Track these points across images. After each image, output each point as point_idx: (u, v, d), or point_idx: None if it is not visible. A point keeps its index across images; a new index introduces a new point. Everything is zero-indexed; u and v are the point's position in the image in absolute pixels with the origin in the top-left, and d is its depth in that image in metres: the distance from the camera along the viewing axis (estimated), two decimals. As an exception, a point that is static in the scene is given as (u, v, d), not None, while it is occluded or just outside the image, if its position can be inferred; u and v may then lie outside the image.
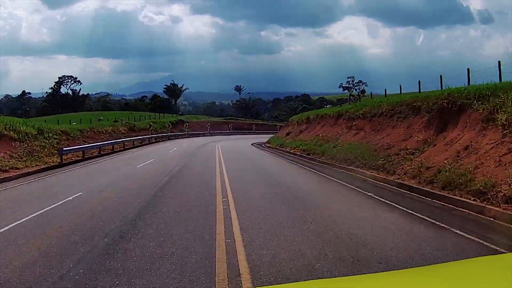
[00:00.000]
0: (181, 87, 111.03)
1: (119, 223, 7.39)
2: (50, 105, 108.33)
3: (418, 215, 8.04)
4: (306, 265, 4.96)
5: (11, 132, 20.77)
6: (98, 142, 29.57)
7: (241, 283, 4.42)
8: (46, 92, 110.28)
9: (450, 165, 10.91)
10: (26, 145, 20.91)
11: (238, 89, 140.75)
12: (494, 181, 8.65)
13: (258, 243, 5.92)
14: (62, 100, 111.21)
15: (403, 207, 8.85)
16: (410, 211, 8.41)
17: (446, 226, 7.05)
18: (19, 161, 18.63)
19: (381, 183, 12.87)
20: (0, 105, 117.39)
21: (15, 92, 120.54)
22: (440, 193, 9.82)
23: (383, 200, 9.81)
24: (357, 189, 11.63)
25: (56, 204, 9.27)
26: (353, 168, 15.91)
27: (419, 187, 11.12)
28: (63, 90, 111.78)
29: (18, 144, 20.36)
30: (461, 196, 9.11)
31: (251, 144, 41.23)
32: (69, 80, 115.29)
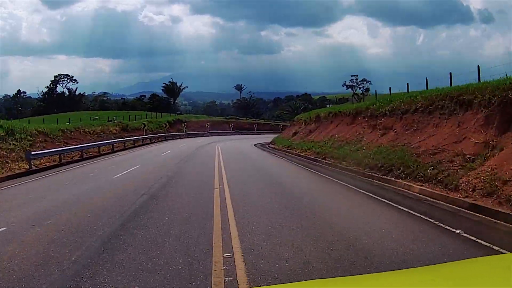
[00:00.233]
0: (180, 86, 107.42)
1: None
2: (46, 105, 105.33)
3: None
4: None
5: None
6: (82, 144, 26.05)
7: None
8: (42, 91, 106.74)
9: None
10: (-12, 149, 17.41)
11: (239, 88, 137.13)
12: None
13: None
14: (58, 100, 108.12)
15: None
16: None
17: None
18: (-27, 168, 15.13)
19: (443, 202, 9.33)
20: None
21: (14, 92, 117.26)
22: None
23: (484, 243, 5.93)
24: (423, 216, 7.92)
25: None
26: (392, 179, 12.36)
27: (509, 212, 7.62)
28: (60, 89, 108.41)
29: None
30: None
31: (254, 145, 37.70)
32: (65, 79, 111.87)
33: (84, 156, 23.50)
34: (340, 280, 2.14)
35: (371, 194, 10.46)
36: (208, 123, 67.08)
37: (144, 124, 43.44)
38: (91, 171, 16.64)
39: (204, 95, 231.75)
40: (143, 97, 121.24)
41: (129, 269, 4.80)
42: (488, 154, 10.80)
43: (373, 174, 13.51)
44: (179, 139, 51.02)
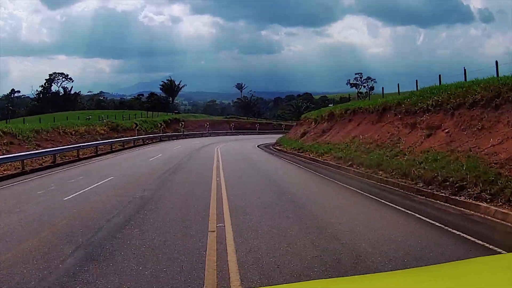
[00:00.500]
0: (179, 84, 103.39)
1: None
2: (40, 104, 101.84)
3: None
4: None
5: None
6: (57, 147, 22.19)
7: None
8: (37, 90, 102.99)
9: None
10: None
11: (239, 87, 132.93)
12: None
13: None
14: (53, 99, 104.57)
15: None
16: None
17: None
18: None
19: None
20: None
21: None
22: None
23: None
24: None
25: None
26: (470, 201, 8.45)
27: None
28: (55, 88, 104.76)
29: None
30: None
31: (258, 146, 33.80)
32: (61, 78, 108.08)
33: (56, 162, 19.60)
34: (340, 280, 2.10)
35: (463, 234, 6.47)
36: (208, 123, 63.04)
37: (136, 123, 39.38)
38: (46, 186, 12.13)
39: (204, 95, 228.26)
40: (141, 96, 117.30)
41: None
42: None
43: (436, 192, 9.57)
44: (175, 140, 47.06)
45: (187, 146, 33.59)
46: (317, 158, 19.19)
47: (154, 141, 42.36)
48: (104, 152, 26.90)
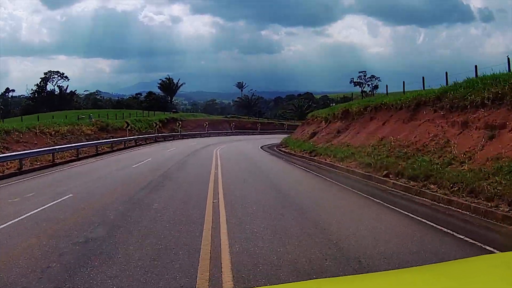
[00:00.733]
0: (177, 82, 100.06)
1: None
2: (35, 104, 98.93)
3: None
4: None
5: None
6: (31, 149, 18.93)
7: None
8: (32, 89, 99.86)
9: None
10: None
11: (240, 86, 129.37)
12: None
13: None
14: (48, 98, 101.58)
15: None
16: None
17: None
18: None
19: None
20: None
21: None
22: None
23: None
24: None
25: None
26: None
27: None
28: (50, 87, 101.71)
29: None
30: None
31: (261, 148, 30.53)
32: (56, 76, 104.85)
33: (23, 169, 16.33)
34: (340, 280, 1.97)
35: None
36: (207, 122, 59.65)
37: (127, 123, 35.95)
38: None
39: (204, 95, 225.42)
40: (139, 95, 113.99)
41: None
42: None
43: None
44: (171, 141, 43.75)
45: (183, 148, 30.22)
46: (336, 164, 15.85)
47: (148, 142, 39.03)
48: (88, 155, 23.65)
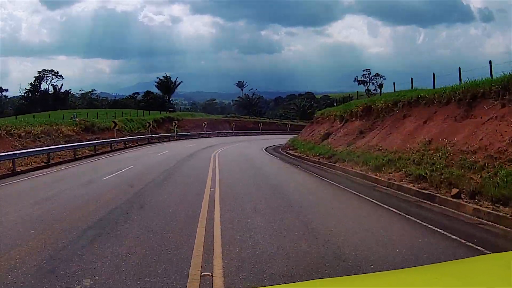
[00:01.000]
0: (175, 81, 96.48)
1: None
2: (28, 103, 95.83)
3: None
4: None
5: None
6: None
7: None
8: (25, 88, 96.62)
9: None
10: None
11: (240, 85, 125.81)
12: None
13: None
14: (42, 98, 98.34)
15: None
16: None
17: None
18: None
19: None
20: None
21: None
22: None
23: None
24: None
25: None
26: None
27: None
28: (44, 86, 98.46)
29: None
30: None
31: (265, 150, 26.92)
32: (50, 75, 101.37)
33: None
34: (340, 280, 1.95)
35: None
36: (205, 122, 55.95)
37: (115, 122, 32.16)
38: None
39: (204, 95, 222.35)
40: (136, 94, 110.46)
41: None
42: None
43: None
44: (166, 142, 40.09)
45: (176, 151, 26.50)
46: (370, 175, 12.12)
47: (140, 143, 35.40)
48: (63, 160, 20.02)
